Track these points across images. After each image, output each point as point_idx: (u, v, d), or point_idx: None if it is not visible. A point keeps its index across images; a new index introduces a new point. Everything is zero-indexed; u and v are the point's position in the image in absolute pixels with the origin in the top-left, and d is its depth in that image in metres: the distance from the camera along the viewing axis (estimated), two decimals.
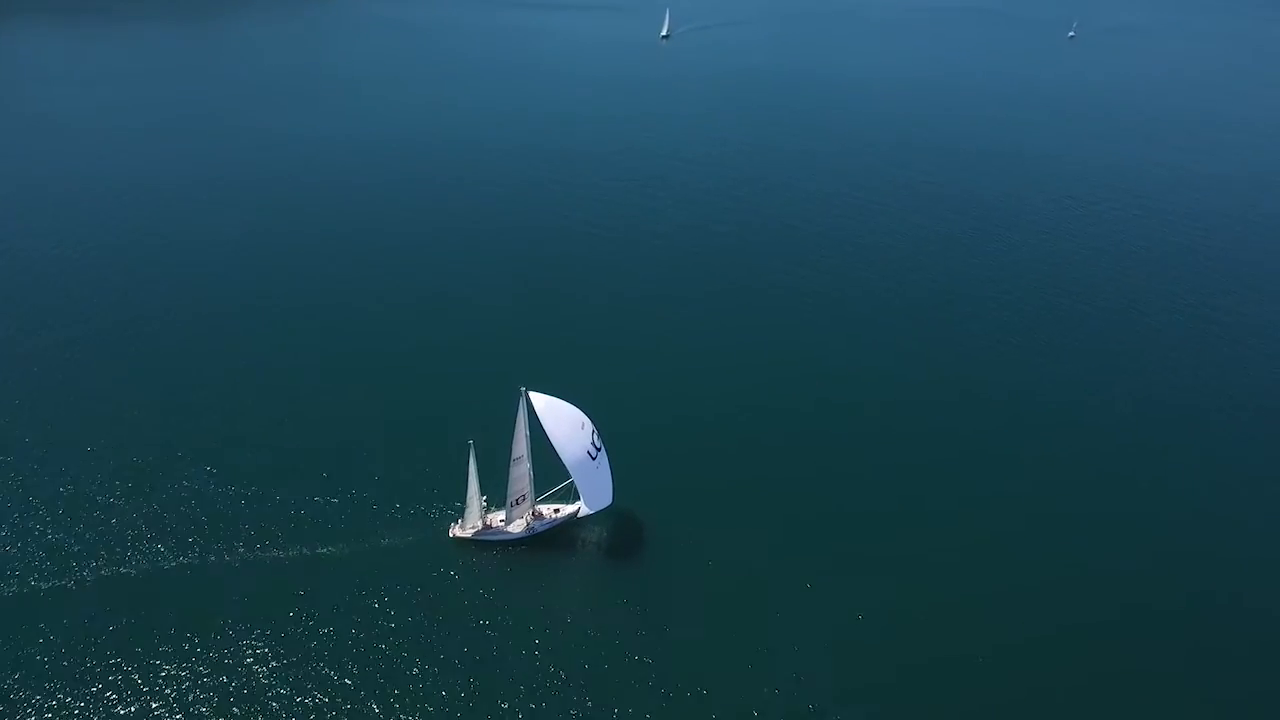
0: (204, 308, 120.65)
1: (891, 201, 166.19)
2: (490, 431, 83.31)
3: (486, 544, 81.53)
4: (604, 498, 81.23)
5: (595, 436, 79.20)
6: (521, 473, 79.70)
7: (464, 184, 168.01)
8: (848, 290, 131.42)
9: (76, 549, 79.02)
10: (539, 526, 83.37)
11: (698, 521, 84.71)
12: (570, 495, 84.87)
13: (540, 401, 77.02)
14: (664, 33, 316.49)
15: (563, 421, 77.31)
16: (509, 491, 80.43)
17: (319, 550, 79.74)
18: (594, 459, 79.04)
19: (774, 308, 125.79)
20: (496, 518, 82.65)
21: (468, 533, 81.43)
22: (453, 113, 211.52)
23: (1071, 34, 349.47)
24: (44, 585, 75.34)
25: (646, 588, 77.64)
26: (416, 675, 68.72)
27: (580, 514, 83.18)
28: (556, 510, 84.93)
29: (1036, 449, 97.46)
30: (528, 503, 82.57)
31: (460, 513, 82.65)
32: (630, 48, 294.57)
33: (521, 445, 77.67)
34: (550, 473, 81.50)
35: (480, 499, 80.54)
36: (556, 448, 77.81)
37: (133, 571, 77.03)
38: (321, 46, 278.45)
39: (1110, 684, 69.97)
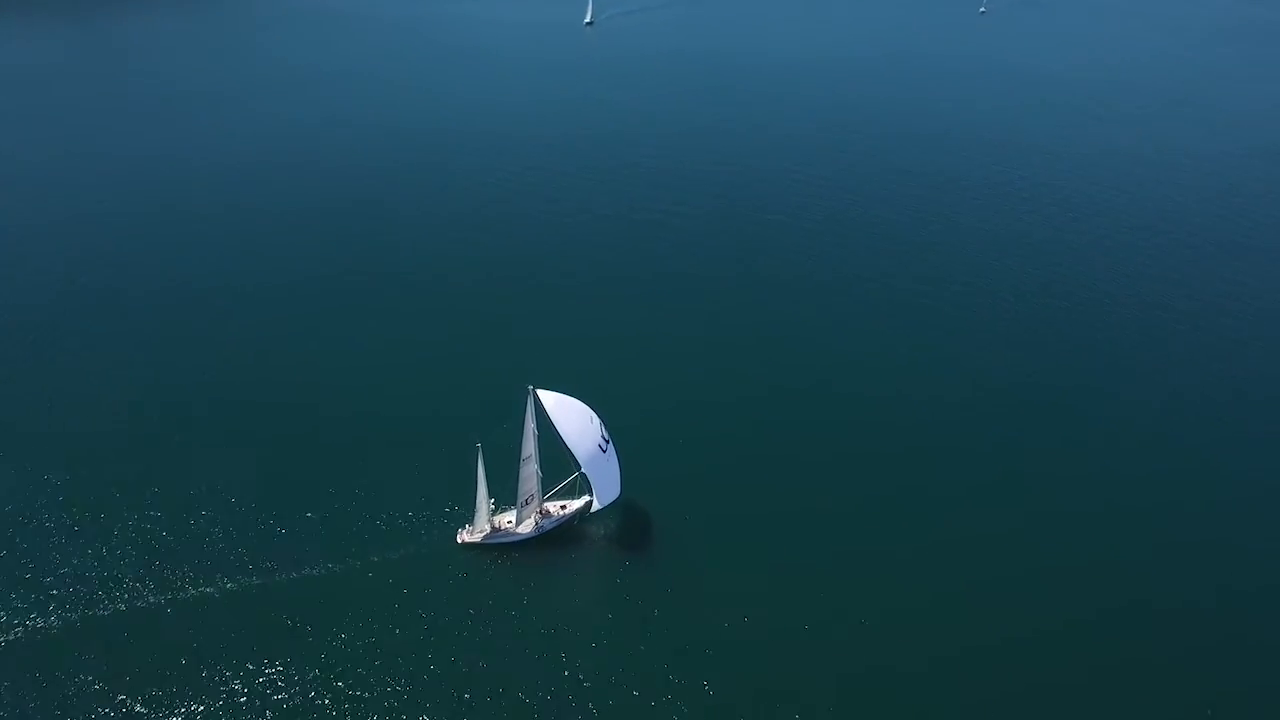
0: (191, 311, 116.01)
1: (845, 179, 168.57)
2: (495, 432, 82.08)
3: (495, 547, 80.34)
4: (614, 490, 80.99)
5: (603, 430, 78.78)
6: (530, 472, 78.66)
7: (391, 175, 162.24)
8: (815, 274, 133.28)
9: (80, 571, 76.01)
10: (547, 525, 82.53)
11: (703, 512, 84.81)
12: (575, 491, 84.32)
13: (549, 399, 76.19)
14: (588, 19, 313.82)
15: (573, 417, 76.83)
16: (519, 491, 79.28)
17: (325, 567, 77.58)
18: (605, 452, 78.78)
19: (702, 291, 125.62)
20: (504, 519, 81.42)
21: (476, 537, 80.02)
22: (370, 104, 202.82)
23: (982, 9, 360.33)
24: (61, 619, 71.68)
25: (656, 583, 77.23)
26: (439, 688, 67.48)
27: (592, 508, 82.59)
28: (563, 507, 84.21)
29: (1043, 440, 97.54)
30: (536, 502, 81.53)
31: (467, 518, 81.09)
32: (554, 35, 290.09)
33: (530, 444, 76.60)
34: (555, 470, 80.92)
35: (489, 502, 79.12)
36: (569, 444, 77.18)
37: (131, 594, 74.17)
38: (235, 42, 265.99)
39: (1126, 675, 70.88)
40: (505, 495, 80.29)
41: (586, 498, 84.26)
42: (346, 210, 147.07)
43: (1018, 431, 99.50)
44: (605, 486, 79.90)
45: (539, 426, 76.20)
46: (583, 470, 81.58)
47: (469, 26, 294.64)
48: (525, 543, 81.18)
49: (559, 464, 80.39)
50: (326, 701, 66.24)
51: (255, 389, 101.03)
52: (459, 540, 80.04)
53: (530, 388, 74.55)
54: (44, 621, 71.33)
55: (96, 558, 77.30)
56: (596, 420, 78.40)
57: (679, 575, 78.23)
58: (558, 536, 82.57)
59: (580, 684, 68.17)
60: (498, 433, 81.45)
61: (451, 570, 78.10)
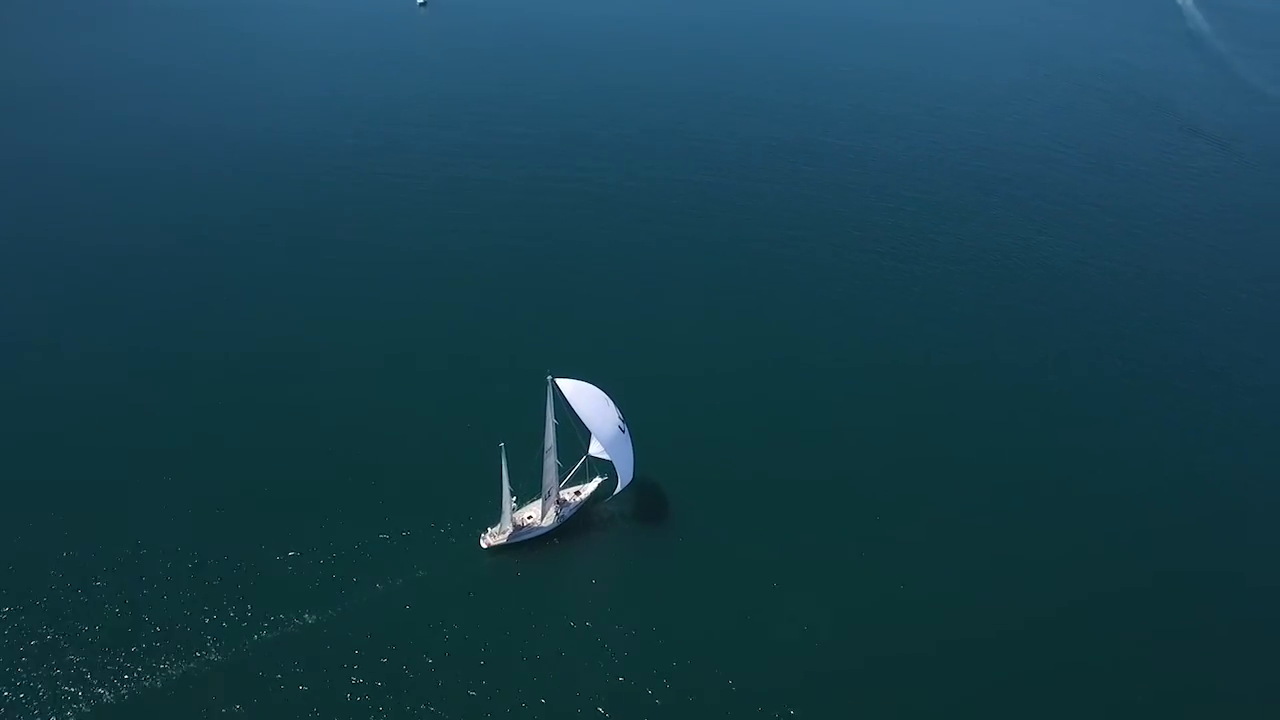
0: (192, 309, 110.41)
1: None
2: (514, 428, 79.52)
3: (518, 544, 78.91)
4: (630, 471, 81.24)
5: (619, 413, 78.91)
6: (551, 463, 77.73)
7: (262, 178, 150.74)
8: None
9: (101, 566, 75.06)
10: (567, 513, 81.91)
11: (715, 493, 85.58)
12: (584, 476, 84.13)
13: (568, 386, 75.53)
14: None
15: (593, 402, 76.74)
16: (543, 484, 78.21)
17: (344, 591, 73.76)
18: (624, 433, 78.86)
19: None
20: (524, 515, 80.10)
21: (502, 539, 78.24)
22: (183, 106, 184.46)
23: None
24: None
25: (678, 569, 77.86)
26: (481, 700, 66.32)
27: (615, 491, 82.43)
28: (577, 493, 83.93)
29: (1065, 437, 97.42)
30: (555, 491, 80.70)
31: (488, 520, 79.08)
32: (384, 17, 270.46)
33: (551, 435, 75.62)
34: (565, 457, 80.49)
35: (511, 500, 77.56)
36: (591, 428, 76.98)
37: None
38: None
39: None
40: (523, 490, 78.92)
41: (598, 479, 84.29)
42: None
43: (1038, 416, 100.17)
44: (624, 467, 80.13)
45: (555, 415, 75.34)
46: (590, 454, 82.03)
47: (275, 14, 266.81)
48: (547, 535, 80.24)
49: (568, 451, 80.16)
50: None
51: (261, 404, 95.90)
52: (484, 544, 78.01)
53: (549, 377, 73.37)
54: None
55: (116, 552, 76.46)
56: (612, 404, 78.40)
57: (699, 558, 78.61)
58: (576, 526, 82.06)
59: (615, 670, 68.60)
60: (516, 428, 79.32)
61: (480, 576, 76.26)
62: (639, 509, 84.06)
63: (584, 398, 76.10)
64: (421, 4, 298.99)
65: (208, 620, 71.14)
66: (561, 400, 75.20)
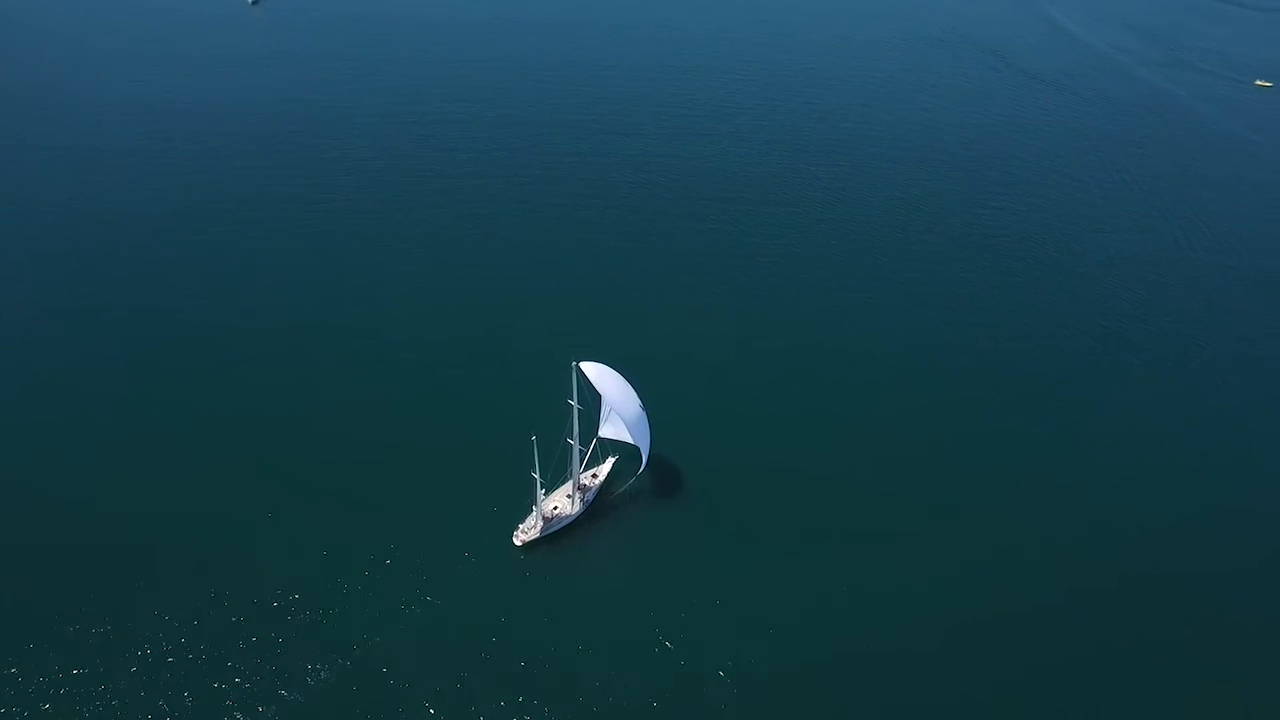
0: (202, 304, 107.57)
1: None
2: (540, 419, 78.02)
3: (548, 537, 78.24)
4: (648, 452, 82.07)
5: (638, 394, 79.63)
6: (577, 450, 77.53)
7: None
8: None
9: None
10: (589, 498, 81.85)
11: (724, 475, 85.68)
12: (596, 459, 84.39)
13: (592, 370, 75.39)
14: None
15: (616, 384, 76.93)
16: (570, 472, 77.79)
17: (382, 608, 71.22)
18: (645, 414, 79.68)
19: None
20: (550, 506, 79.41)
21: (534, 534, 77.30)
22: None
23: None
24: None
25: (700, 549, 77.70)
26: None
27: (640, 470, 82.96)
28: (594, 476, 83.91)
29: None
30: (577, 477, 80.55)
31: (517, 515, 77.87)
32: (209, 21, 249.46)
33: (577, 422, 75.38)
34: (580, 441, 79.85)
35: (540, 493, 76.77)
36: (615, 410, 77.27)
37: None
38: None
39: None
40: (547, 480, 78.02)
41: (610, 460, 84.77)
42: None
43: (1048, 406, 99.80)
44: (645, 446, 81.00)
45: (580, 401, 75.21)
46: (600, 436, 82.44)
47: (95, 14, 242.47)
48: (575, 524, 79.95)
49: (583, 435, 79.79)
50: None
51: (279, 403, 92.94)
52: (517, 542, 76.82)
53: (574, 364, 72.94)
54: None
55: (128, 542, 76.19)
56: (629, 385, 78.91)
57: (718, 541, 78.68)
58: (600, 511, 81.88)
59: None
60: (536, 415, 78.36)
61: (519, 577, 74.95)
62: (656, 490, 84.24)
63: (608, 380, 76.34)
64: (253, 2, 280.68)
65: (234, 618, 69.67)
66: (584, 385, 74.97)
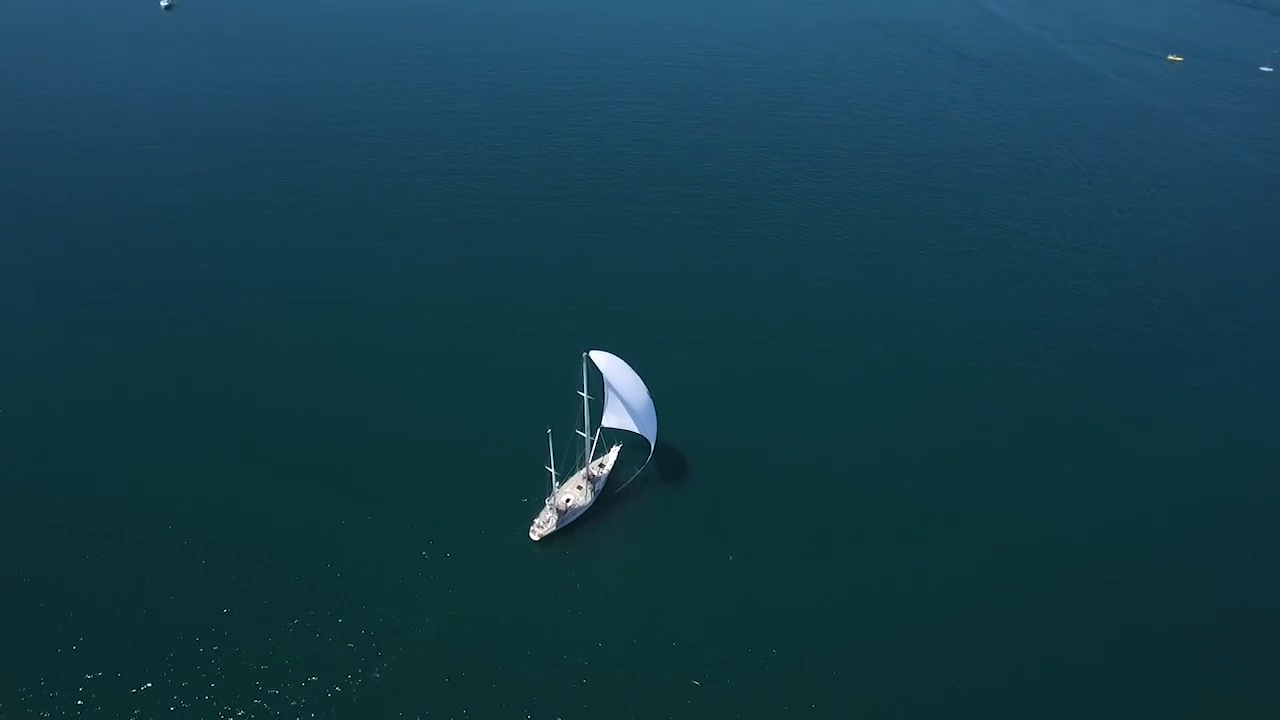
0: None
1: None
2: (553, 411, 78.45)
3: (564, 530, 78.32)
4: (654, 437, 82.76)
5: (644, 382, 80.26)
6: (588, 440, 77.69)
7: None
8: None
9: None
10: (599, 487, 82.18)
11: (730, 462, 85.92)
12: (601, 448, 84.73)
13: (602, 359, 75.54)
14: (165, 1, 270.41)
15: (625, 372, 77.24)
16: (582, 460, 77.97)
17: (400, 607, 70.35)
18: (651, 400, 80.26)
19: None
20: (562, 499, 79.47)
21: (551, 528, 77.25)
22: None
23: None
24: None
25: (709, 539, 77.65)
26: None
27: (648, 459, 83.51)
28: (601, 465, 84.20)
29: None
30: (588, 467, 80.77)
31: (532, 506, 77.75)
32: (120, 24, 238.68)
33: (588, 412, 75.55)
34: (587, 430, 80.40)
35: (555, 486, 76.77)
36: (625, 398, 77.55)
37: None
38: None
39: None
40: (560, 473, 78.29)
41: (615, 448, 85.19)
42: None
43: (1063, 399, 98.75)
44: (652, 439, 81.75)
45: (590, 391, 75.42)
46: (603, 425, 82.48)
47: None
48: (587, 514, 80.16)
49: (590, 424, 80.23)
50: None
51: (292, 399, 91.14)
52: (535, 537, 76.67)
53: (585, 354, 73.07)
54: None
55: (151, 535, 75.63)
56: (637, 374, 79.41)
57: (729, 530, 78.76)
58: (611, 501, 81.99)
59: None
60: (547, 406, 78.52)
61: (542, 571, 74.71)
62: (662, 477, 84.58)
63: (616, 370, 76.65)
64: (166, 7, 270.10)
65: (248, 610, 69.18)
66: (593, 374, 75.17)
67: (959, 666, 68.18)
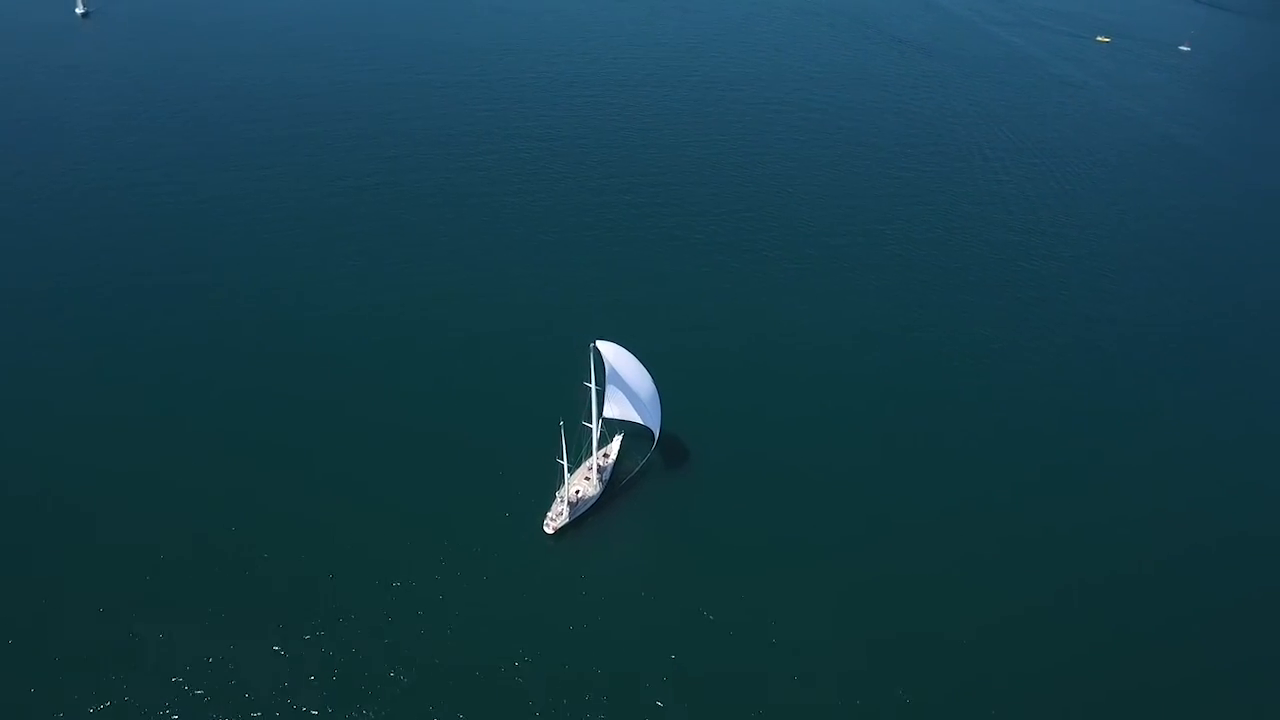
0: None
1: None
2: (563, 403, 77.23)
3: (576, 521, 77.57)
4: (659, 427, 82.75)
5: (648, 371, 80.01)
6: (596, 431, 77.05)
7: None
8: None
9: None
10: (605, 477, 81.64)
11: (733, 454, 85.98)
12: (605, 438, 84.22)
13: (608, 350, 75.06)
14: (80, 9, 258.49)
15: (631, 362, 76.96)
16: (590, 450, 77.38)
17: (419, 604, 69.38)
18: (656, 389, 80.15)
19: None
20: (572, 491, 78.65)
21: (564, 520, 76.46)
22: None
23: None
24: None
25: (714, 531, 77.48)
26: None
27: (652, 449, 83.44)
28: (606, 455, 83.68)
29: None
30: (595, 458, 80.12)
31: (544, 499, 76.78)
32: (37, 31, 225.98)
33: (595, 403, 74.91)
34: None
35: (566, 477, 75.90)
36: (633, 387, 77.25)
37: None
38: None
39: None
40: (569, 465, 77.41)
41: (618, 438, 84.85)
42: None
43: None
44: (656, 430, 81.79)
45: (597, 382, 74.88)
46: (604, 416, 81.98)
47: None
48: (596, 505, 79.47)
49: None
50: None
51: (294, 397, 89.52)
52: (549, 530, 75.73)
53: (593, 344, 72.32)
54: None
55: (154, 528, 74.68)
56: (641, 364, 79.13)
57: (738, 513, 78.93)
58: (618, 490, 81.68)
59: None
60: (553, 398, 77.72)
61: (558, 565, 73.98)
62: (666, 465, 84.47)
63: (624, 359, 76.34)
64: (82, 14, 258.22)
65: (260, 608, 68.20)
66: (599, 365, 74.53)
67: (960, 665, 67.60)
